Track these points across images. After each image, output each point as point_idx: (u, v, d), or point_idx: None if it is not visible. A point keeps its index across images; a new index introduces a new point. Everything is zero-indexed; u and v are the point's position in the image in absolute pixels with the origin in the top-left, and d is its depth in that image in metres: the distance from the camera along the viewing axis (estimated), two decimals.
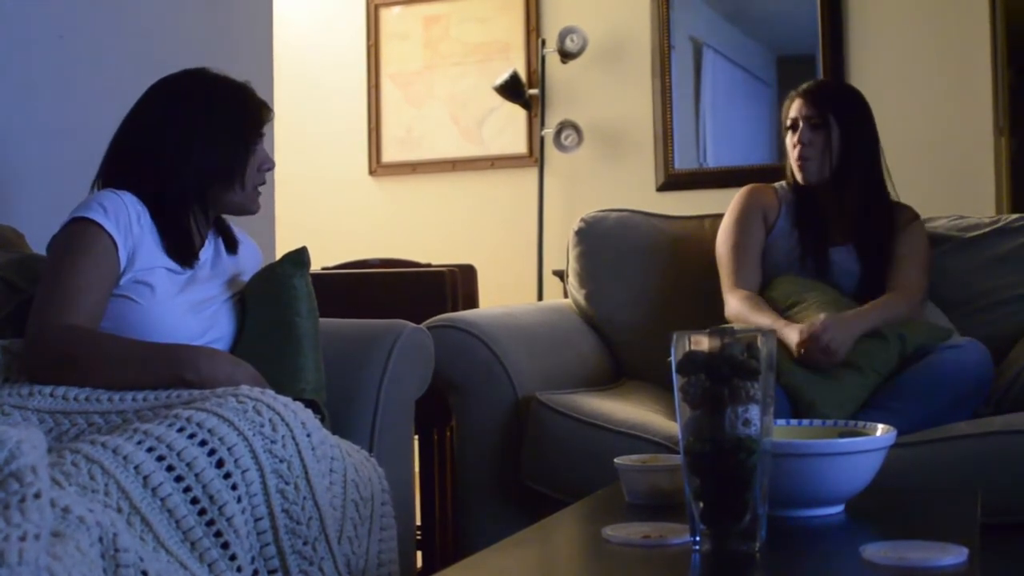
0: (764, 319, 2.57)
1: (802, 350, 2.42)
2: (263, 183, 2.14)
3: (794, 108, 2.74)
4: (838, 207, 2.74)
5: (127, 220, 1.95)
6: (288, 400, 1.73)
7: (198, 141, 2.03)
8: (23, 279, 2.12)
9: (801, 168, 2.72)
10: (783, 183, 2.84)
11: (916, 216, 2.77)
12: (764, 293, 2.70)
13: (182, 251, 2.03)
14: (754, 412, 1.36)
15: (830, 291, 2.62)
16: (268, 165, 2.12)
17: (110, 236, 1.93)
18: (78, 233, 1.93)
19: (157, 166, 2.02)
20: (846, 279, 2.68)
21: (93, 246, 1.91)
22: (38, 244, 2.32)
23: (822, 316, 2.46)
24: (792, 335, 2.45)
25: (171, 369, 1.84)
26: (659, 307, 2.94)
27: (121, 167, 2.05)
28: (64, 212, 1.97)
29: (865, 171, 2.73)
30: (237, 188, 2.07)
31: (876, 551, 1.32)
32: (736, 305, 2.67)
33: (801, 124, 2.71)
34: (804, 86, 2.78)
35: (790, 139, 2.75)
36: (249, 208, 2.13)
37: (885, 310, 2.54)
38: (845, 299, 2.61)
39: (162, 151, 2.03)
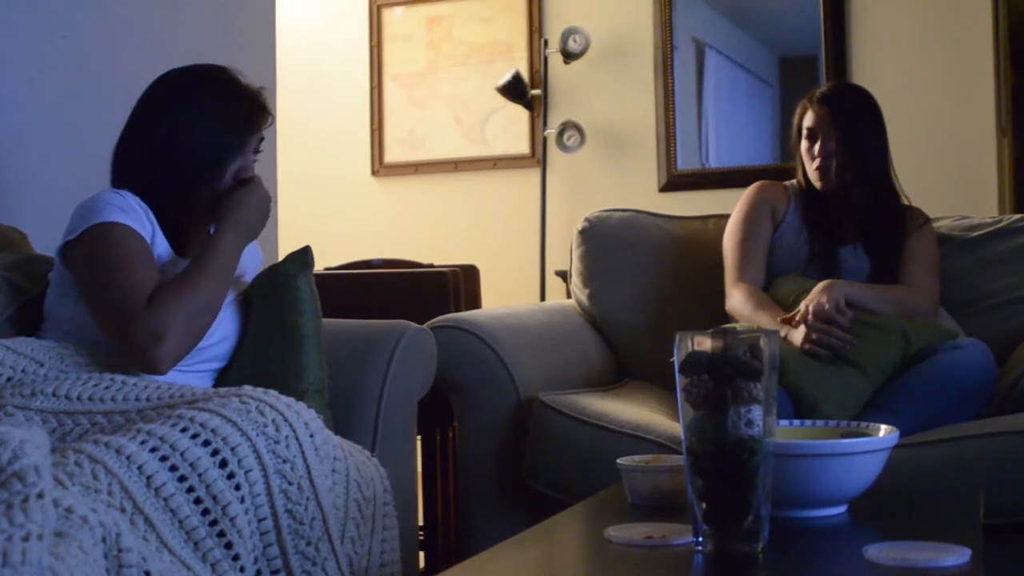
0: (766, 316, 2.57)
1: (807, 325, 2.42)
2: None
3: (813, 118, 2.72)
4: (848, 207, 2.74)
5: (140, 217, 1.96)
6: (291, 400, 1.74)
7: (180, 131, 2.01)
8: (26, 279, 2.12)
9: (822, 177, 2.71)
10: (793, 181, 2.84)
11: (927, 219, 2.77)
12: (767, 291, 2.70)
13: (178, 245, 2.03)
14: (757, 413, 1.36)
15: None
16: (246, 174, 2.06)
17: (135, 232, 1.93)
18: (108, 236, 1.91)
19: (147, 158, 2.02)
20: (854, 278, 2.68)
21: (125, 243, 1.91)
22: (41, 244, 2.33)
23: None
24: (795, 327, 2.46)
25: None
26: (662, 307, 2.94)
27: (121, 164, 2.05)
28: (67, 213, 1.96)
29: (878, 173, 2.74)
30: (213, 186, 2.03)
31: (879, 552, 1.32)
32: (738, 299, 2.67)
33: (821, 136, 2.70)
34: (820, 92, 2.75)
35: (806, 147, 2.74)
36: None
37: (889, 291, 2.58)
38: None
39: (151, 147, 2.02)
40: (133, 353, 1.86)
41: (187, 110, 2.03)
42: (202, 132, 2.02)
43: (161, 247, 2.00)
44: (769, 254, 2.77)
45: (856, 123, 2.71)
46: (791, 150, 2.86)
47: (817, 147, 2.70)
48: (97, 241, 1.92)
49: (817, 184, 2.73)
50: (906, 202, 2.79)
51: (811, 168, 2.73)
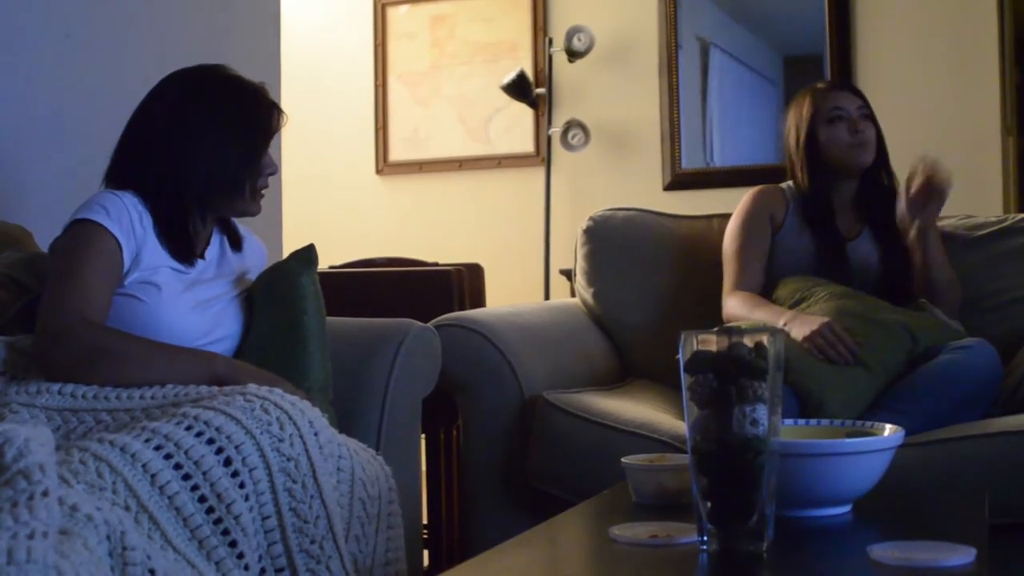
0: (765, 313, 2.58)
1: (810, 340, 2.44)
2: (266, 187, 2.10)
3: (839, 98, 2.78)
4: (853, 199, 2.79)
5: (129, 221, 1.94)
6: (295, 399, 1.74)
7: (206, 147, 2.00)
8: (31, 277, 2.12)
9: (861, 150, 2.74)
10: (790, 183, 2.85)
11: None
12: (771, 293, 2.70)
13: (182, 251, 2.01)
14: (761, 412, 1.36)
15: (838, 285, 2.63)
16: (271, 169, 2.08)
17: (114, 237, 1.92)
18: (83, 234, 1.91)
19: (161, 167, 1.99)
20: (862, 268, 2.70)
21: (98, 246, 1.90)
22: (46, 242, 2.32)
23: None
24: (800, 329, 2.47)
25: (206, 374, 1.86)
26: (667, 306, 2.94)
27: (126, 164, 2.03)
28: (71, 211, 1.96)
29: (887, 162, 2.81)
30: (245, 195, 2.05)
31: (883, 551, 1.32)
32: (734, 305, 2.69)
33: (854, 113, 2.75)
34: (830, 82, 2.91)
35: (831, 128, 2.76)
36: (251, 211, 2.10)
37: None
38: (857, 292, 2.62)
39: (167, 152, 2.00)
40: (47, 336, 1.83)
41: (209, 123, 2.01)
42: (229, 145, 2.01)
43: (153, 250, 1.97)
44: (772, 258, 2.78)
45: (869, 106, 2.81)
46: (787, 150, 2.86)
47: (858, 124, 2.74)
48: (72, 235, 1.93)
49: (852, 161, 2.75)
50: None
51: (843, 146, 2.74)
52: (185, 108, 2.02)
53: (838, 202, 2.79)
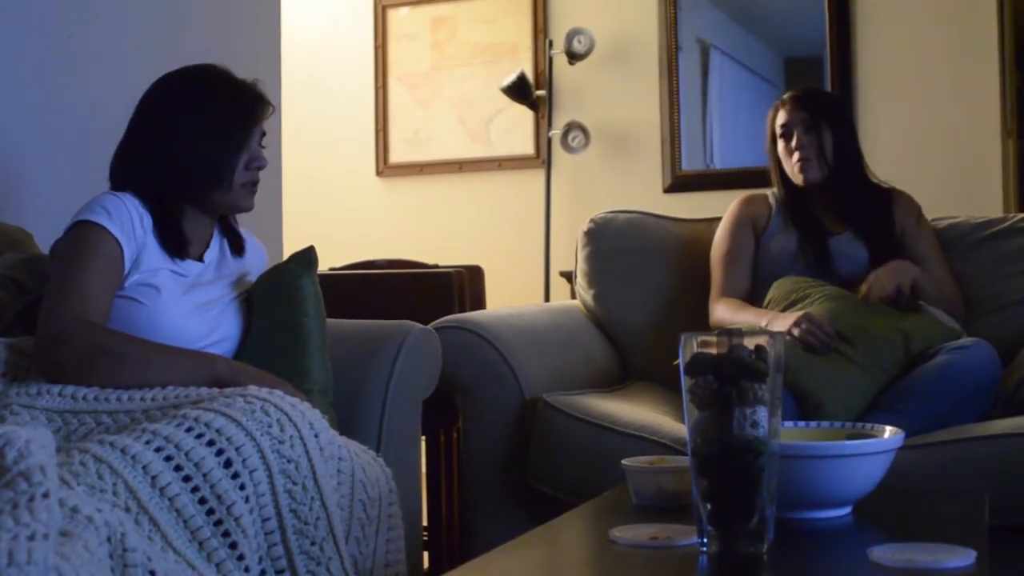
0: (745, 316, 2.61)
1: (795, 331, 2.46)
2: (254, 180, 2.09)
3: (784, 115, 2.82)
4: (831, 202, 2.81)
5: (130, 223, 1.95)
6: (296, 400, 1.74)
7: (183, 137, 2.01)
8: (31, 279, 2.13)
9: (802, 170, 2.78)
10: (774, 190, 2.88)
11: (919, 208, 2.83)
12: (762, 295, 2.72)
13: (175, 247, 2.02)
14: (762, 414, 1.36)
15: (833, 287, 2.63)
16: (259, 163, 2.07)
17: (115, 239, 1.92)
18: (84, 236, 1.92)
19: (149, 165, 2.02)
20: (850, 265, 2.71)
21: (100, 248, 1.91)
22: (46, 244, 2.33)
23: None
24: (781, 324, 2.49)
25: (207, 376, 1.86)
26: (667, 308, 2.94)
27: (122, 166, 2.06)
28: (72, 213, 1.97)
29: (854, 165, 2.81)
30: (225, 187, 2.04)
31: (884, 553, 1.32)
32: (720, 311, 2.75)
33: (796, 129, 2.78)
34: (789, 94, 2.86)
35: (783, 145, 2.82)
36: (241, 206, 2.09)
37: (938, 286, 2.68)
38: (851, 293, 2.62)
39: (153, 151, 2.02)
40: (48, 337, 1.84)
41: (185, 116, 2.03)
42: (203, 137, 2.02)
43: (153, 252, 1.99)
44: (759, 261, 2.82)
45: (825, 114, 2.79)
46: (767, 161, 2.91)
47: (794, 141, 2.78)
48: (73, 237, 1.93)
49: (799, 178, 2.79)
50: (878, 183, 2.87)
51: (791, 165, 2.80)
52: (165, 106, 2.05)
53: (817, 203, 2.83)
